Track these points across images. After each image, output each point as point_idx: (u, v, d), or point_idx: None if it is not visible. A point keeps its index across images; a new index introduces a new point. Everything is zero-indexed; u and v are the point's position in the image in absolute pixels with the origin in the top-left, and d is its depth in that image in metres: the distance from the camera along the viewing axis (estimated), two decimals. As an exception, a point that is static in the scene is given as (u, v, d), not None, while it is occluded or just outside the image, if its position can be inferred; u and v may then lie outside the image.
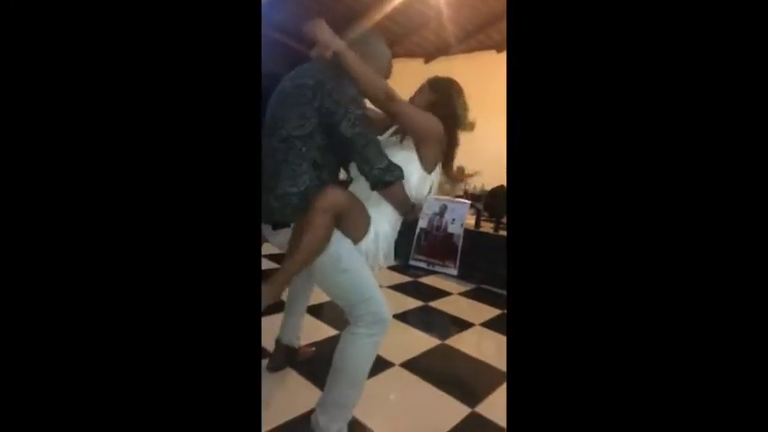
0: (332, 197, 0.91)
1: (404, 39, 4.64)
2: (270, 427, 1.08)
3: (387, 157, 0.96)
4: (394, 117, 1.03)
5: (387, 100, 0.96)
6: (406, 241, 3.03)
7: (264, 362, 1.38)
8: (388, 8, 4.00)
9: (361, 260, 0.98)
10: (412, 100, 1.11)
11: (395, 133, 1.13)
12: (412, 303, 2.23)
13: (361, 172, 0.97)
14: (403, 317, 2.02)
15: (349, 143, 0.93)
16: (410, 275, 2.79)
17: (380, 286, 2.36)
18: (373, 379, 1.38)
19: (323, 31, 0.95)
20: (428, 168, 1.05)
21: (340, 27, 4.21)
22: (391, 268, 2.89)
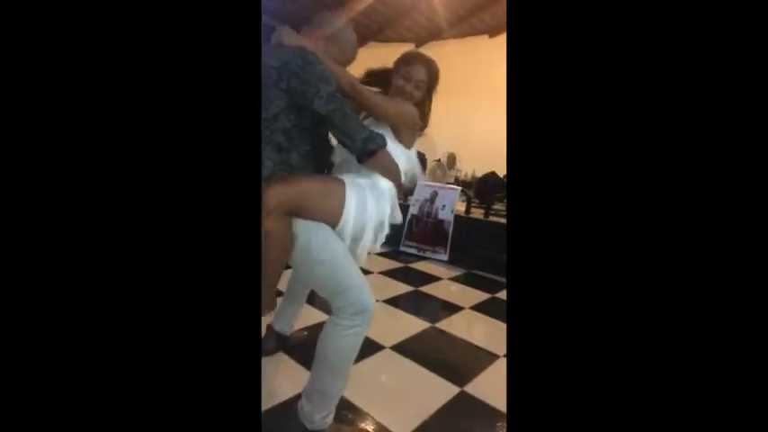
0: (274, 195, 0.85)
1: (394, 23, 4.56)
2: (262, 409, 1.09)
3: (367, 128, 0.94)
4: (362, 108, 1.03)
5: (352, 91, 0.95)
6: (396, 227, 3.04)
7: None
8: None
9: (339, 248, 0.93)
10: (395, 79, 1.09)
11: (366, 117, 1.12)
12: (402, 288, 2.25)
13: (344, 146, 0.95)
14: (393, 301, 2.04)
15: (325, 120, 0.90)
16: (401, 261, 2.81)
17: (371, 272, 2.36)
18: (364, 361, 1.40)
19: (289, 37, 0.96)
20: (407, 145, 1.06)
21: (331, 10, 4.13)
22: (382, 254, 2.91)
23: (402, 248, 3.03)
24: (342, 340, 0.92)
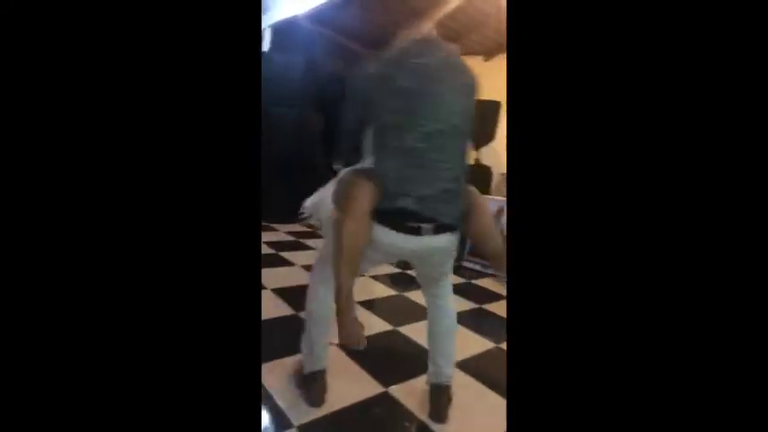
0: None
1: (463, 37, 4.57)
2: (330, 411, 1.17)
3: None
4: None
5: None
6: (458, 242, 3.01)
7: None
8: (449, 7, 3.97)
9: None
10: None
11: None
12: (465, 305, 2.23)
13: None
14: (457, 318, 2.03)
15: None
16: (464, 277, 2.78)
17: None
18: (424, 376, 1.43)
19: None
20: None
21: (403, 26, 4.26)
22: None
23: (464, 264, 2.99)
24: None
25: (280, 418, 1.11)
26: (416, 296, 2.25)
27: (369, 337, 1.63)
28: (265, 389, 1.23)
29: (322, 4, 3.26)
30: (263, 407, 1.15)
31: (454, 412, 1.27)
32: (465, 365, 1.54)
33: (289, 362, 1.40)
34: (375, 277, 2.46)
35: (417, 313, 2.02)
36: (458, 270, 2.91)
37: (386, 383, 1.34)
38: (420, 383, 1.38)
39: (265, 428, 1.07)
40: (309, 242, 3.15)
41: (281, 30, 3.91)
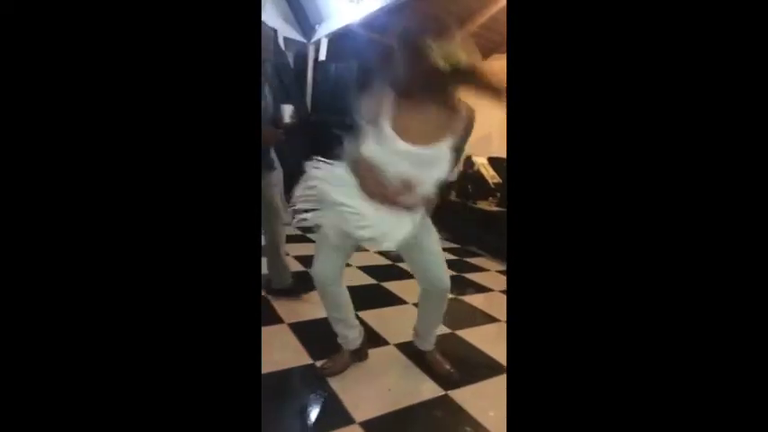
0: None
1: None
2: (392, 409, 1.18)
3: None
4: None
5: None
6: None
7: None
8: (498, 6, 3.87)
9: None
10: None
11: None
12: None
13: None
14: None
15: None
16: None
17: (491, 290, 2.29)
18: (488, 381, 1.39)
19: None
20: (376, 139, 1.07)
21: (453, 24, 4.21)
22: (502, 272, 2.80)
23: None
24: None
25: (341, 414, 1.14)
26: (474, 300, 2.20)
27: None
28: (328, 384, 1.27)
29: (374, 11, 3.33)
30: (324, 401, 1.20)
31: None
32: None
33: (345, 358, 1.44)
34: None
35: (475, 318, 1.97)
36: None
37: (446, 387, 1.32)
38: (481, 389, 1.34)
39: (327, 424, 1.11)
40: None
41: (336, 39, 4.05)
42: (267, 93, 1.62)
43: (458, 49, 0.99)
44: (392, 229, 1.06)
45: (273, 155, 1.72)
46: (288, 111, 1.61)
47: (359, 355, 1.39)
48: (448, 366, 1.40)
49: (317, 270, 1.22)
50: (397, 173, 1.06)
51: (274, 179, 1.71)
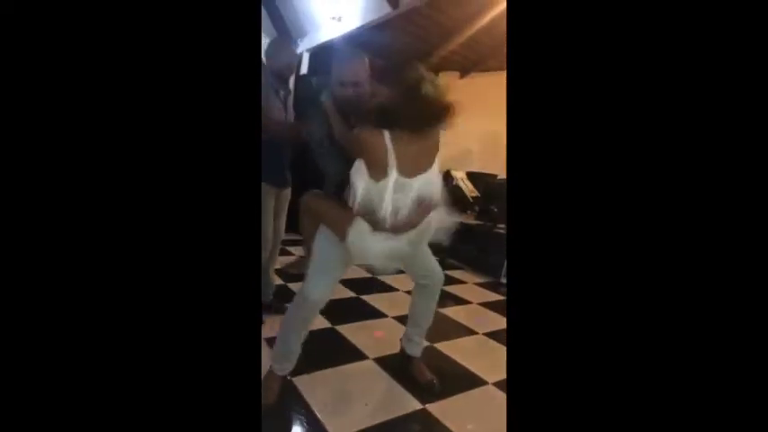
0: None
1: (497, 52, 4.58)
2: (370, 425, 1.16)
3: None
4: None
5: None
6: (497, 258, 2.95)
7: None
8: (477, 26, 4.01)
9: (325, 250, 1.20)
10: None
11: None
12: (504, 323, 2.16)
13: None
14: (495, 336, 1.97)
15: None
16: (502, 294, 2.70)
17: (470, 303, 2.33)
18: (466, 394, 1.40)
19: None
20: (373, 177, 1.05)
21: (435, 45, 4.33)
22: (481, 284, 2.84)
23: (503, 280, 2.91)
24: (287, 313, 1.27)
25: (318, 430, 1.12)
26: (453, 312, 2.22)
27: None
28: (305, 401, 1.25)
29: (357, 27, 3.39)
30: (301, 418, 1.17)
31: (493, 428, 1.22)
32: (504, 386, 1.49)
33: (328, 373, 1.41)
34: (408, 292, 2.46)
35: (454, 330, 1.98)
36: (496, 286, 2.84)
37: (423, 401, 1.32)
38: (459, 402, 1.35)
39: (305, 440, 1.08)
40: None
41: (318, 53, 4.09)
42: (285, 107, 1.63)
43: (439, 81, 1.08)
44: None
45: (288, 172, 1.68)
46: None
47: (285, 379, 1.30)
48: (431, 376, 1.41)
49: (315, 292, 1.17)
50: (396, 207, 1.07)
51: (283, 197, 1.69)
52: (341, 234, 1.09)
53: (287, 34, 4.15)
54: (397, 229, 1.08)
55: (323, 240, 1.20)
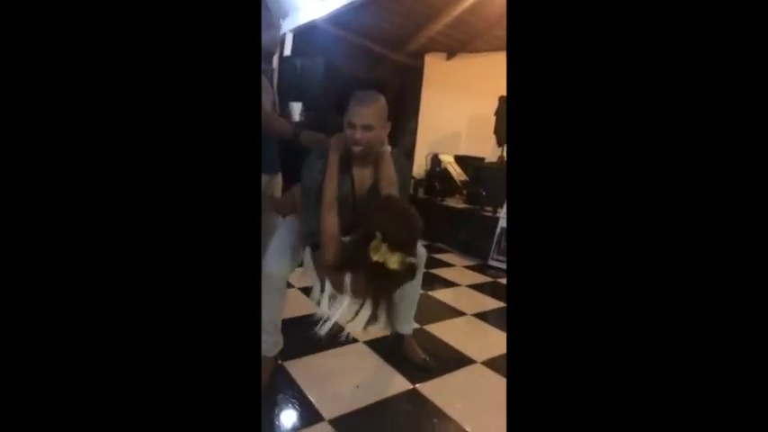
0: None
1: (485, 33, 4.51)
2: (361, 406, 1.18)
3: None
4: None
5: None
6: (485, 241, 2.98)
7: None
8: (463, 6, 3.93)
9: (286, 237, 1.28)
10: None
11: None
12: (492, 304, 2.20)
13: None
14: (483, 316, 2.01)
15: None
16: (490, 276, 2.74)
17: (458, 285, 2.36)
18: (455, 373, 1.42)
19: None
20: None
21: (421, 26, 4.25)
22: (469, 267, 2.87)
23: (491, 263, 2.95)
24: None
25: (310, 413, 1.14)
26: (442, 294, 2.24)
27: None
28: (297, 384, 1.26)
29: (341, 7, 3.30)
30: (294, 401, 1.18)
31: (482, 405, 1.26)
32: (492, 364, 1.52)
33: (319, 357, 1.42)
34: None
35: (443, 312, 2.01)
36: (484, 269, 2.88)
37: (413, 381, 1.34)
38: (448, 381, 1.37)
39: (296, 422, 1.09)
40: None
41: (301, 34, 3.98)
42: (273, 89, 1.55)
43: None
44: None
45: (278, 158, 1.60)
46: (297, 109, 1.54)
47: (275, 362, 1.34)
48: (423, 355, 1.44)
49: (275, 267, 1.19)
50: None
51: (274, 183, 1.60)
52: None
53: (267, 11, 4.02)
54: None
55: (288, 225, 1.29)
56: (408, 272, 1.03)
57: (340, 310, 1.14)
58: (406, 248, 1.00)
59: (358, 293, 1.11)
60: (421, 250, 1.38)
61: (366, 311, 1.12)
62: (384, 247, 0.98)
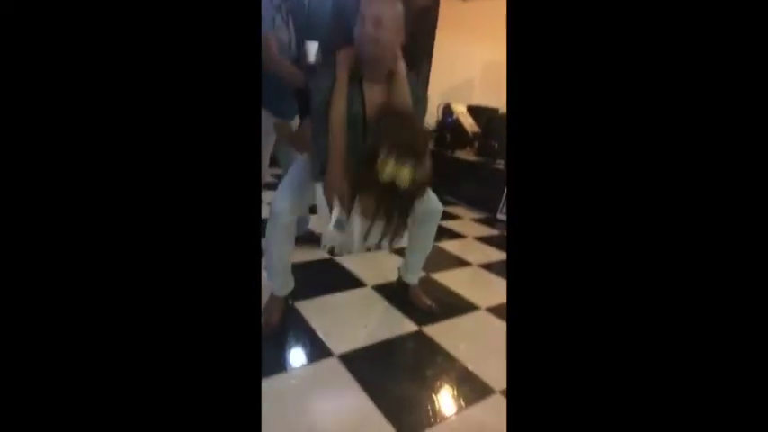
0: None
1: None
2: (368, 343, 1.25)
3: None
4: None
5: None
6: (495, 195, 2.96)
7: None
8: None
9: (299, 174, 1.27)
10: None
11: None
12: (498, 255, 2.23)
13: None
14: (488, 267, 2.05)
15: None
16: (497, 228, 2.76)
17: (467, 236, 2.37)
18: (459, 318, 1.48)
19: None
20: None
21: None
22: (477, 220, 2.88)
23: (499, 216, 2.95)
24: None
25: (320, 348, 1.20)
26: (449, 245, 2.27)
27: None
28: (306, 321, 1.32)
29: None
30: (304, 337, 1.24)
31: (486, 349, 1.31)
32: (495, 310, 1.57)
33: (329, 299, 1.48)
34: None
35: (450, 262, 2.05)
36: (492, 222, 2.89)
37: (419, 324, 1.40)
38: (453, 325, 1.43)
39: (307, 358, 1.16)
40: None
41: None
42: (289, 28, 1.46)
43: None
44: None
45: (293, 100, 1.49)
46: (312, 48, 1.45)
47: (287, 303, 1.37)
48: (429, 302, 1.49)
49: (280, 205, 1.18)
50: None
51: (287, 128, 1.54)
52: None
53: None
54: None
55: (299, 164, 1.27)
56: (420, 189, 1.02)
57: (350, 230, 1.13)
58: (416, 161, 0.99)
59: (368, 214, 1.10)
60: (437, 204, 1.37)
61: (377, 231, 1.13)
62: (392, 162, 0.96)
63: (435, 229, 1.42)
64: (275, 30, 1.40)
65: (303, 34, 1.49)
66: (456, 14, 4.30)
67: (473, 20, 4.28)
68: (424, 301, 1.50)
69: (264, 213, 1.14)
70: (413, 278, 1.52)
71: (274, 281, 1.30)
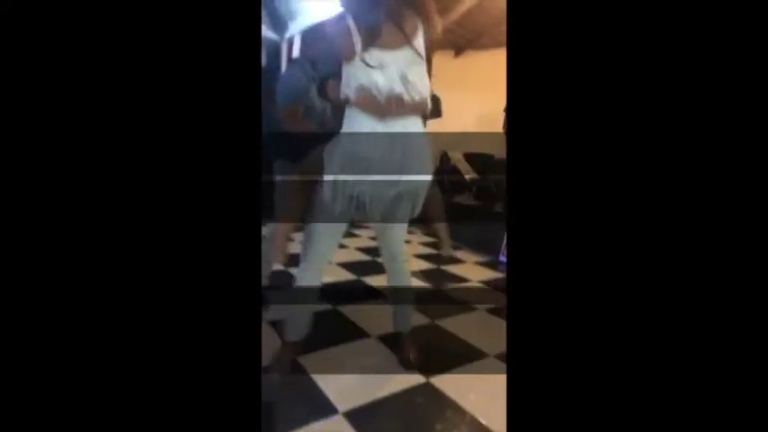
0: None
1: (493, 29, 4.49)
2: (374, 399, 1.19)
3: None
4: None
5: None
6: (496, 238, 2.97)
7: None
8: (470, 3, 3.91)
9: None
10: None
11: None
12: (503, 299, 2.19)
13: None
14: (494, 311, 2.00)
15: None
16: (501, 271, 2.73)
17: (471, 281, 2.34)
18: (467, 366, 1.43)
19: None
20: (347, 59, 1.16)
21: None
22: (480, 263, 2.86)
23: (501, 258, 2.94)
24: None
25: (325, 405, 1.15)
26: (453, 291, 2.24)
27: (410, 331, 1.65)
28: (310, 377, 1.27)
29: (347, 8, 3.32)
30: (307, 394, 1.20)
31: (492, 398, 1.25)
32: (505, 357, 1.52)
33: (334, 351, 1.44)
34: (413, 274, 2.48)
35: (455, 308, 2.01)
36: (495, 265, 2.87)
37: (427, 375, 1.35)
38: (461, 375, 1.38)
39: (311, 415, 1.11)
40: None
41: (308, 34, 4.00)
42: (308, 67, 1.51)
43: None
44: None
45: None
46: (333, 86, 1.50)
47: (298, 348, 1.36)
48: (411, 354, 1.42)
49: (319, 250, 1.24)
50: (386, 85, 1.11)
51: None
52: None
53: (276, 15, 4.06)
54: (398, 109, 1.12)
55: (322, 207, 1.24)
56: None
57: None
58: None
59: None
60: (398, 247, 1.36)
61: None
62: None
63: (406, 278, 1.40)
64: (309, 98, 1.46)
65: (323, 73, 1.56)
66: (449, 69, 4.59)
67: (466, 73, 4.56)
68: (406, 352, 1.42)
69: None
70: (399, 326, 1.46)
71: (298, 320, 1.30)
